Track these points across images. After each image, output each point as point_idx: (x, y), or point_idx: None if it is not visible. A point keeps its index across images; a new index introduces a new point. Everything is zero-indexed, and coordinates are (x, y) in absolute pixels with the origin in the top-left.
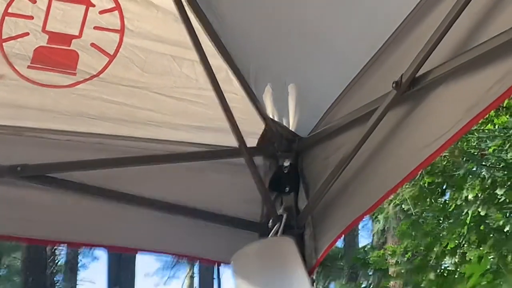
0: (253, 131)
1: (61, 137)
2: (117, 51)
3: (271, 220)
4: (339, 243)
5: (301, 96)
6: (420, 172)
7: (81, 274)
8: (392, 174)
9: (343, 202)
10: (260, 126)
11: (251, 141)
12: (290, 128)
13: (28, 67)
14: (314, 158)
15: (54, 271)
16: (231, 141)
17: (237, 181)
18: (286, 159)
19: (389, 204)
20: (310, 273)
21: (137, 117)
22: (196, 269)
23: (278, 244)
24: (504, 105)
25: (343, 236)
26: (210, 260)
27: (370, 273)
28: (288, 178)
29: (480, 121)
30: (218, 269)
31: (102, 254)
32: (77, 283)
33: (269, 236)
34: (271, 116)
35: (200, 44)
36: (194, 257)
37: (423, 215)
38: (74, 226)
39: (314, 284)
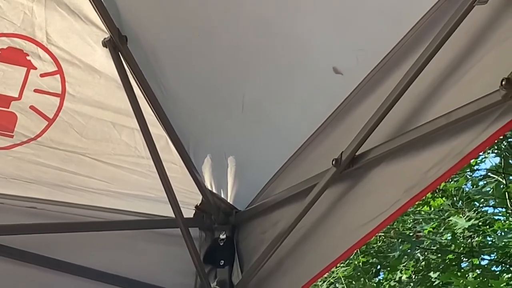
0: (190, 202)
1: None
2: (56, 115)
3: None
4: None
5: (240, 169)
6: (355, 251)
7: None
8: (327, 252)
9: (277, 279)
10: (198, 197)
11: (188, 212)
12: (228, 201)
13: None
14: (251, 232)
15: None
16: (168, 211)
17: (171, 252)
18: (222, 232)
19: (323, 282)
20: None
21: (73, 182)
22: None
23: None
24: (441, 188)
25: None
26: None
27: None
28: (223, 251)
29: (416, 203)
30: None
31: None
32: None
33: None
34: (209, 188)
35: (142, 112)
36: None
37: None
38: None
39: None
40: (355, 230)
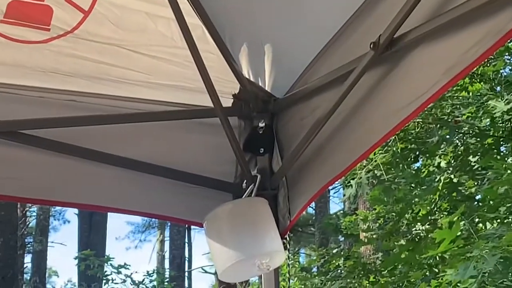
0: (228, 91)
1: (33, 94)
2: (92, 7)
3: (245, 181)
4: (310, 209)
5: (278, 57)
6: (393, 137)
7: (52, 236)
8: (368, 137)
9: (317, 164)
10: (236, 86)
11: (226, 101)
12: (266, 89)
13: (1, 21)
14: (290, 119)
15: (25, 232)
16: (206, 101)
17: (211, 141)
18: (261, 120)
19: (361, 170)
20: (283, 234)
21: (111, 74)
22: (167, 234)
23: (251, 204)
24: (479, 73)
25: (314, 201)
26: (182, 220)
27: (341, 239)
28: (263, 139)
29: (454, 88)
30: (189, 234)
31: (73, 217)
32: (48, 245)
33: (243, 196)
34: (246, 76)
35: (176, 1)
36: (166, 217)
37: (396, 181)
38: (45, 184)
39: (287, 247)
40: (394, 112)
